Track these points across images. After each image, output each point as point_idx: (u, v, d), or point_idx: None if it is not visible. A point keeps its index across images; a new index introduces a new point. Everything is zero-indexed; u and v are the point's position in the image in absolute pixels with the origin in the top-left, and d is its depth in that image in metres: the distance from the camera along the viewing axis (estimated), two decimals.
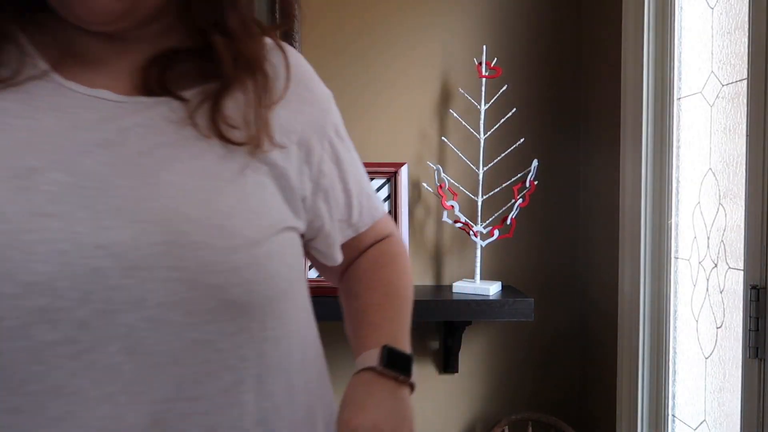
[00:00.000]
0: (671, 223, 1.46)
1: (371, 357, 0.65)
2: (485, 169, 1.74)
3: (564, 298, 1.87)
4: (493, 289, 1.65)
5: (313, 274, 1.65)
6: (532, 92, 1.82)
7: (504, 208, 1.76)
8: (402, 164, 1.72)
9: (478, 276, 1.71)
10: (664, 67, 1.46)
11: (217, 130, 0.56)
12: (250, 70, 0.59)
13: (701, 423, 1.37)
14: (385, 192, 1.71)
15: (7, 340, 0.48)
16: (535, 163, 1.70)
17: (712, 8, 1.33)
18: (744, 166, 1.13)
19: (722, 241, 1.27)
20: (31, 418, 0.49)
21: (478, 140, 1.74)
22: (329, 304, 1.58)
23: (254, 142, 0.57)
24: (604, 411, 1.71)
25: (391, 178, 1.71)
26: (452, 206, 1.70)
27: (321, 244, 0.69)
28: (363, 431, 0.59)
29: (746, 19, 1.13)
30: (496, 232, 1.71)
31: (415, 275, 1.84)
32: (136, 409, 0.51)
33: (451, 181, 1.77)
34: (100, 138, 0.52)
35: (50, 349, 0.48)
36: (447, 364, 1.84)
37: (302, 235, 0.67)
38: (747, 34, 1.13)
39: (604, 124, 1.71)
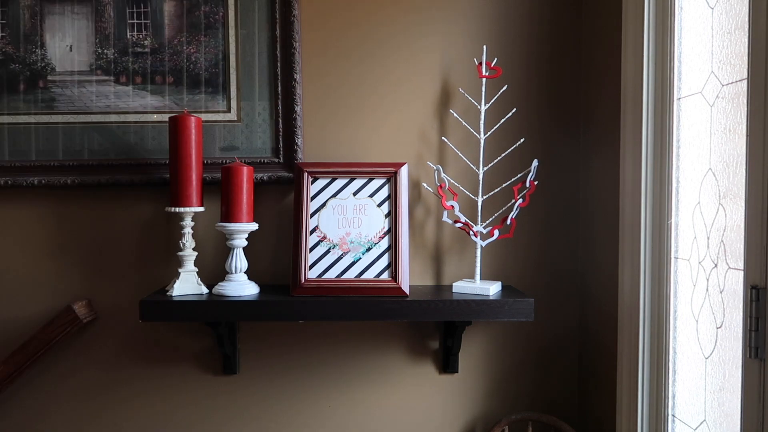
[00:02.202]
0: (671, 223, 1.47)
1: None
2: (485, 169, 1.74)
3: (564, 298, 1.87)
4: (493, 289, 1.65)
5: (313, 273, 1.65)
6: (532, 92, 1.82)
7: (504, 208, 1.77)
8: (402, 164, 1.72)
9: (478, 276, 1.71)
10: (664, 67, 1.46)
11: None
12: None
13: (701, 423, 1.37)
14: (385, 192, 1.71)
15: None
16: (535, 163, 1.70)
17: (712, 8, 1.33)
18: (744, 166, 1.13)
19: (722, 241, 1.27)
20: None
21: (478, 140, 1.74)
22: (330, 304, 1.59)
23: None
24: (604, 411, 1.71)
25: (391, 178, 1.71)
26: (452, 206, 1.70)
27: None
28: None
29: (746, 19, 1.13)
30: (496, 232, 1.71)
31: (415, 275, 1.84)
32: None
33: (451, 181, 1.77)
34: None
35: None
36: (447, 364, 1.84)
37: None
38: (747, 34, 1.13)
39: (604, 124, 1.71)
